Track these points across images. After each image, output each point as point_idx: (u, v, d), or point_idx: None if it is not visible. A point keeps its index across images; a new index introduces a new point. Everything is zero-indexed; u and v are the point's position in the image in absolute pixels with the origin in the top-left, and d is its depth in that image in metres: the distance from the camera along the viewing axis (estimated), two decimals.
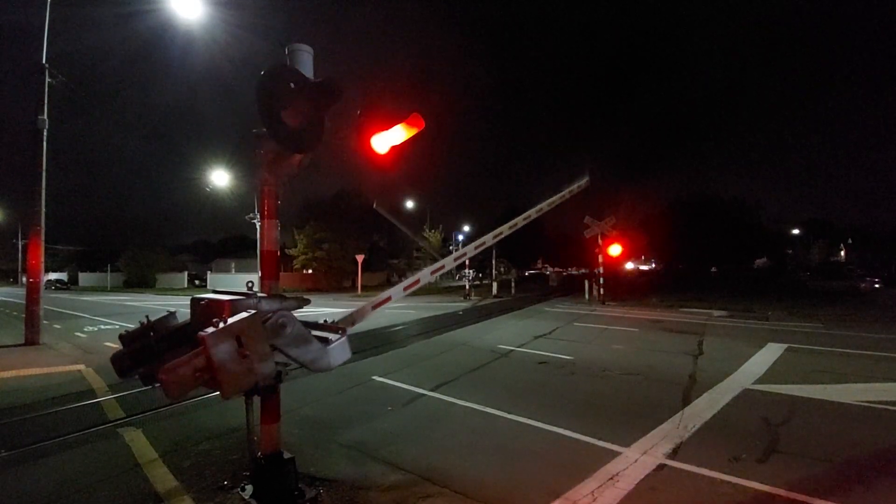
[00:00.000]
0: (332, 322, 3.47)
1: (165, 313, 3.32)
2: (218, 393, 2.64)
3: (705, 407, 5.64)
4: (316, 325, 3.32)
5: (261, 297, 3.01)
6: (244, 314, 2.72)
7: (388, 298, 4.23)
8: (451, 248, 36.60)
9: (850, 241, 67.26)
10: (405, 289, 4.47)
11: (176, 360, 2.48)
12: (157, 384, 3.05)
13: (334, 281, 40.49)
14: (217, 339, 2.51)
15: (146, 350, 3.05)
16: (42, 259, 11.76)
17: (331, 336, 3.25)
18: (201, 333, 2.53)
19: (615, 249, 19.54)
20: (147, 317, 3.26)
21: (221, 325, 2.58)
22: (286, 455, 3.43)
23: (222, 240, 76.84)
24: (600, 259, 20.30)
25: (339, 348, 3.18)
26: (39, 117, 11.33)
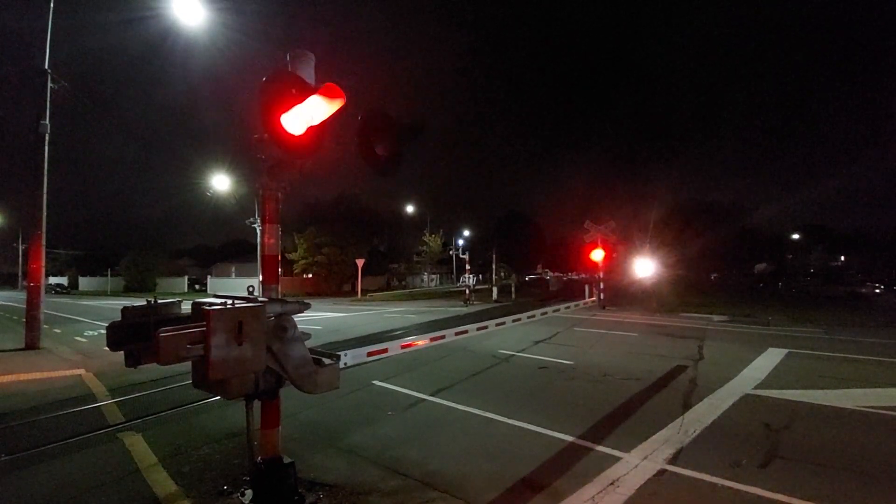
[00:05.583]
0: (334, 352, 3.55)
1: (171, 300, 3.39)
2: (218, 398, 2.66)
3: (706, 412, 5.63)
4: (312, 350, 3.35)
5: (262, 302, 3.03)
6: (251, 304, 2.76)
7: (415, 343, 5.06)
8: (451, 252, 36.60)
9: (850, 245, 67.28)
10: (432, 339, 5.21)
11: (175, 328, 2.51)
12: (139, 365, 3.11)
13: (334, 285, 40.52)
14: (221, 316, 2.54)
15: (143, 327, 3.08)
16: (43, 263, 11.78)
17: (325, 360, 3.27)
18: (206, 308, 2.55)
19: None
20: (155, 297, 3.32)
21: (229, 303, 2.61)
22: (286, 460, 3.43)
23: (223, 244, 76.87)
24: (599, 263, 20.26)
25: (328, 374, 3.20)
26: (41, 122, 11.39)
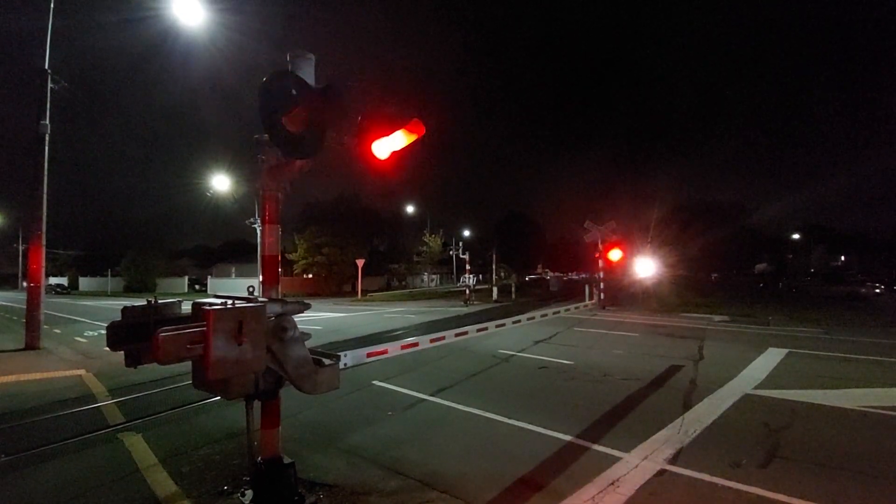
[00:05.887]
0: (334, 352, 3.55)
1: (171, 300, 3.40)
2: (218, 398, 2.66)
3: (706, 412, 5.63)
4: (313, 350, 3.36)
5: (262, 302, 3.03)
6: (251, 304, 2.76)
7: (415, 344, 5.14)
8: (451, 252, 36.58)
9: (850, 245, 67.32)
10: (431, 340, 5.30)
11: (175, 327, 2.51)
12: (139, 365, 3.11)
13: (334, 285, 40.54)
14: (221, 316, 2.54)
15: (143, 327, 3.09)
16: (43, 264, 11.78)
17: (325, 360, 3.27)
18: (206, 308, 2.55)
19: (615, 254, 19.39)
20: (155, 297, 3.33)
21: (229, 303, 2.61)
22: (286, 460, 3.43)
23: (223, 244, 76.91)
24: (600, 264, 20.26)
25: (328, 374, 3.20)
26: (41, 122, 11.40)
